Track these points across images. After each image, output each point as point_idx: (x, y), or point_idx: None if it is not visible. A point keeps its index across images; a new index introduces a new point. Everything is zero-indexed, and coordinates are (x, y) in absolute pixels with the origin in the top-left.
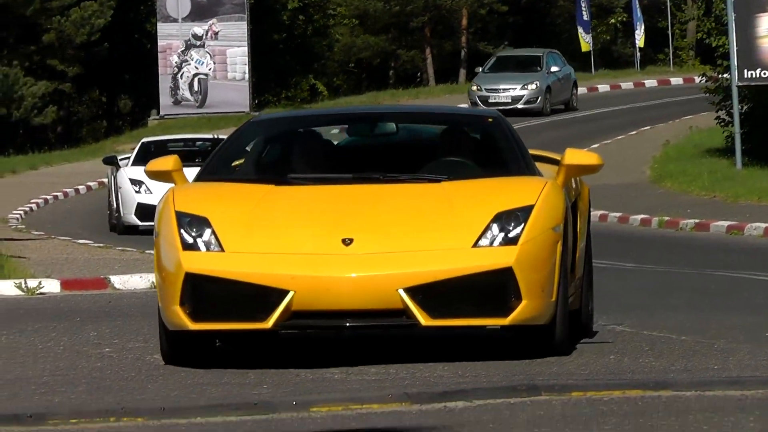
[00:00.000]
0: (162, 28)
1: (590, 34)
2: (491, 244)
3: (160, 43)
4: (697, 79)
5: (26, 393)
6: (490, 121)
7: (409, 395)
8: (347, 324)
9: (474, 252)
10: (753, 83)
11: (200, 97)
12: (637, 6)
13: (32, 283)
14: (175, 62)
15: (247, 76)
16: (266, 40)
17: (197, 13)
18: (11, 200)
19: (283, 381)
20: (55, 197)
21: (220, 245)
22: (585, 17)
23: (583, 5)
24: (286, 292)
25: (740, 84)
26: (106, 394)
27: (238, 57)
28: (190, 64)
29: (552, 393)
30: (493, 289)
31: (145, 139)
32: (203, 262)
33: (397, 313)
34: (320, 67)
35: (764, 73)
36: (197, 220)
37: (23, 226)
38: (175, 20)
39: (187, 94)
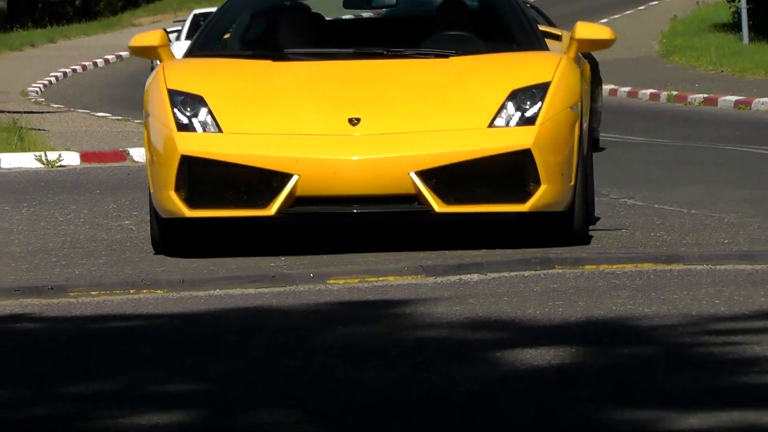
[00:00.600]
0: None
1: None
2: (507, 124)
3: None
4: None
5: (47, 265)
6: None
7: (424, 268)
8: (354, 210)
9: (490, 132)
10: None
11: None
12: None
13: (52, 155)
14: None
15: None
16: None
17: None
18: (30, 73)
19: (300, 257)
20: (74, 70)
21: (217, 126)
22: None
23: None
24: (290, 176)
25: None
26: (126, 266)
27: None
28: None
29: (565, 266)
30: (511, 172)
31: (196, 11)
32: (200, 144)
33: (408, 198)
34: None
35: None
36: (192, 98)
37: (42, 99)
38: None
39: None
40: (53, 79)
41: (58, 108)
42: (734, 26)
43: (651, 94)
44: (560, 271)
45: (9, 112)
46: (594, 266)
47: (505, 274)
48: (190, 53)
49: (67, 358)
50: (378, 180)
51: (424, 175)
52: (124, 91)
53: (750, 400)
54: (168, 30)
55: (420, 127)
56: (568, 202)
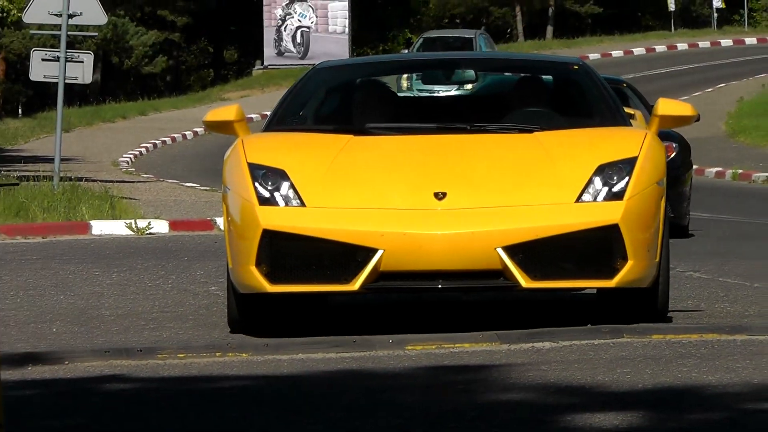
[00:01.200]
0: None
1: None
2: (595, 199)
3: None
4: None
5: (136, 328)
6: (576, 68)
7: (498, 336)
8: (440, 285)
9: (577, 207)
10: None
11: (302, 48)
12: None
13: (142, 223)
14: (279, 15)
15: (347, 29)
16: None
17: None
18: (122, 144)
19: (379, 324)
20: (164, 142)
21: (300, 200)
22: None
23: None
24: (375, 250)
25: None
26: (212, 330)
27: (339, 11)
28: (293, 17)
29: (633, 335)
30: (598, 248)
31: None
32: (282, 218)
33: (494, 273)
34: (416, 22)
35: None
36: (273, 172)
37: (133, 169)
38: None
39: (290, 46)
40: (143, 150)
41: (147, 178)
42: None
43: (717, 171)
44: (628, 340)
45: (102, 181)
46: (661, 336)
47: (576, 342)
48: (267, 128)
49: (156, 417)
50: (464, 255)
51: (510, 250)
52: (211, 163)
53: None
54: None
55: (506, 202)
56: (652, 279)
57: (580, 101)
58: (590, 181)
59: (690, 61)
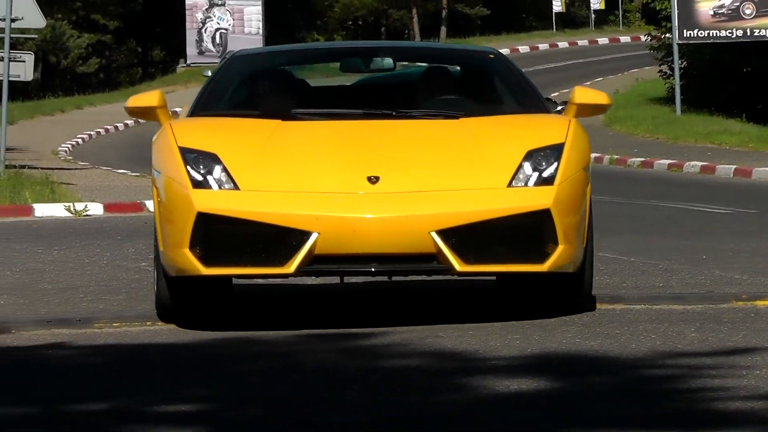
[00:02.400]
0: None
1: None
2: (525, 184)
3: (188, 1)
4: (643, 38)
5: (75, 300)
6: (491, 57)
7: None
8: (373, 269)
9: (509, 192)
10: (691, 41)
11: (221, 48)
12: None
13: (79, 206)
14: (200, 18)
15: (261, 30)
16: None
17: None
18: (61, 135)
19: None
20: (98, 133)
21: (233, 183)
22: None
23: None
24: (310, 234)
25: (680, 42)
26: (143, 302)
27: (254, 14)
28: (212, 20)
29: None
30: (531, 232)
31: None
32: (217, 201)
33: (427, 257)
34: (323, 24)
35: (701, 33)
36: (205, 156)
37: (71, 157)
38: None
39: (210, 46)
40: (80, 140)
41: (84, 165)
42: (668, 100)
43: (595, 157)
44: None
45: (43, 168)
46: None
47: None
48: (193, 113)
49: (91, 380)
50: (398, 239)
51: (444, 234)
52: (141, 151)
53: (682, 424)
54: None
55: (439, 186)
56: (580, 263)
57: (501, 89)
58: (520, 167)
59: (570, 58)
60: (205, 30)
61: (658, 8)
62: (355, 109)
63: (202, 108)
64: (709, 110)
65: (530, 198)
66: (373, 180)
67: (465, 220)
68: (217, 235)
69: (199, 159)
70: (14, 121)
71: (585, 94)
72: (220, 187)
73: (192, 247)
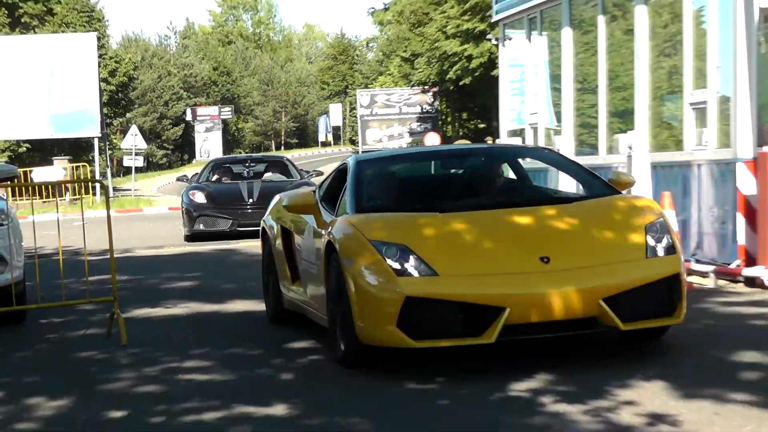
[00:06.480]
0: None
1: None
2: (654, 254)
3: None
4: None
5: None
6: (548, 152)
7: None
8: (554, 333)
9: (649, 263)
10: None
11: None
12: None
13: None
14: None
15: None
16: None
17: None
18: None
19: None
20: None
21: (431, 270)
22: None
23: None
24: (502, 309)
25: None
26: None
27: None
28: None
29: None
30: (667, 293)
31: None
32: (422, 286)
33: (592, 320)
34: None
35: None
36: (397, 248)
37: None
38: None
39: None
40: None
41: None
42: None
43: None
44: None
45: None
46: None
47: None
48: (357, 211)
49: None
50: (573, 307)
51: (608, 300)
52: None
53: None
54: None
55: (595, 261)
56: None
57: (576, 177)
58: (647, 241)
59: None
60: None
61: None
62: (485, 201)
63: (361, 209)
64: None
65: (664, 266)
66: (546, 260)
67: (623, 288)
68: (425, 314)
69: (393, 250)
70: None
71: (625, 177)
72: (420, 274)
73: (399, 325)
